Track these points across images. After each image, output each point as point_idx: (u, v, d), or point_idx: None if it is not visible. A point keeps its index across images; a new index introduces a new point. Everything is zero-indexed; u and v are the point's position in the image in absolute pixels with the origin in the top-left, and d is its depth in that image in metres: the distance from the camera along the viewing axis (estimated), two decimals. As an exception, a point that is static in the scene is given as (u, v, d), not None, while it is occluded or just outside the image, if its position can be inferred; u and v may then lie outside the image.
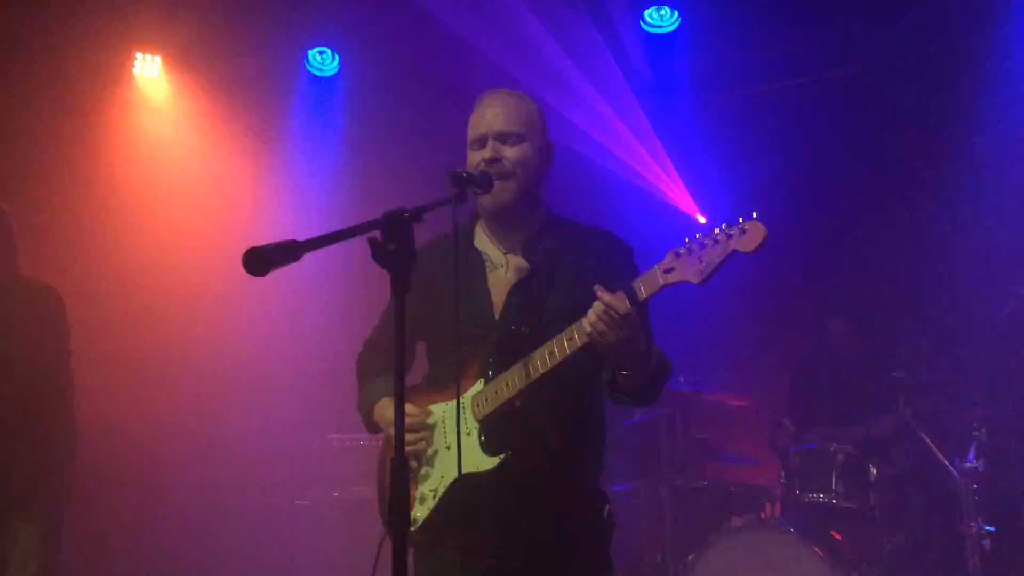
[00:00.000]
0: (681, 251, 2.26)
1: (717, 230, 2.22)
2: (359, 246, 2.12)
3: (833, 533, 4.63)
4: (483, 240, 2.73)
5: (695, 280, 2.22)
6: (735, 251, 2.18)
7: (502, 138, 2.61)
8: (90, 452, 4.31)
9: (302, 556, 5.39)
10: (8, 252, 4.04)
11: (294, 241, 1.93)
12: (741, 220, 2.19)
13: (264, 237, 1.97)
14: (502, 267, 2.67)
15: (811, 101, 6.28)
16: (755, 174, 6.19)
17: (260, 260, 1.86)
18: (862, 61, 6.08)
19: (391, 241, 2.01)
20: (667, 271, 2.26)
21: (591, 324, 2.29)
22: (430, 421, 2.63)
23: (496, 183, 2.56)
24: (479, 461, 2.47)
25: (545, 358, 2.41)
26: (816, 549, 4.35)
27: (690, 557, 4.64)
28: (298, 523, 5.46)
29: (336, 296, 6.06)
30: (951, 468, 4.52)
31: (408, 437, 2.50)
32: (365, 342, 2.96)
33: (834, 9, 5.95)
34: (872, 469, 4.71)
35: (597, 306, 2.29)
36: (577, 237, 2.71)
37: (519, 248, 2.68)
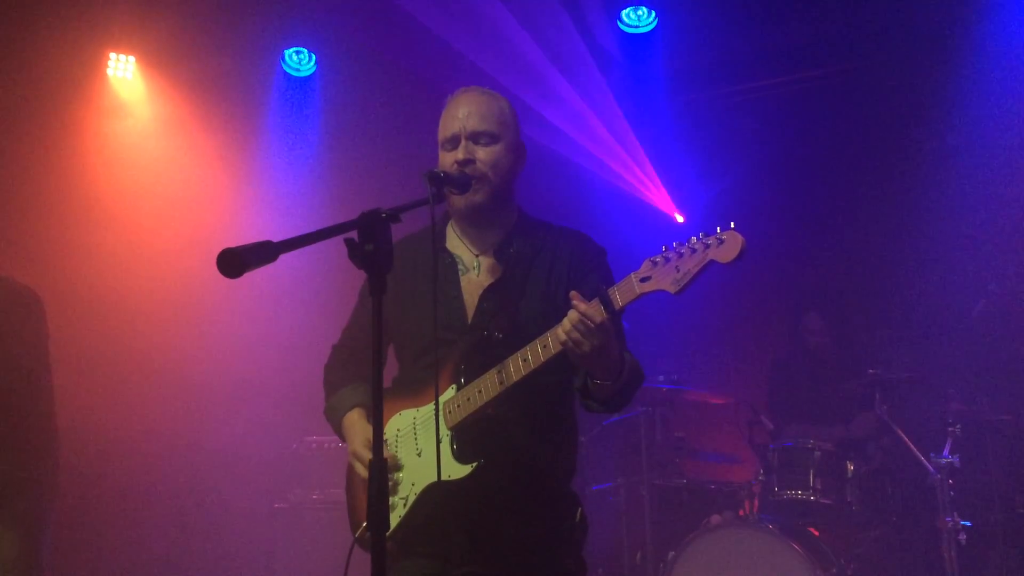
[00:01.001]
0: (658, 259, 2.23)
1: (694, 239, 2.19)
2: (335, 247, 2.10)
3: (811, 529, 4.67)
4: (454, 241, 2.69)
5: (672, 290, 2.19)
6: (712, 261, 2.15)
7: (475, 138, 2.57)
8: (66, 455, 4.25)
9: (281, 558, 5.35)
10: None
11: (269, 242, 1.91)
12: (719, 229, 2.16)
13: (241, 238, 1.95)
14: (474, 269, 2.63)
15: (787, 99, 6.33)
16: (732, 173, 6.23)
17: (234, 261, 1.84)
18: (837, 59, 6.13)
19: (368, 241, 2.00)
20: (643, 280, 2.23)
21: (566, 332, 2.26)
22: (401, 427, 2.60)
23: (471, 184, 2.53)
24: (451, 469, 2.44)
25: (519, 365, 2.38)
26: (795, 545, 4.37)
27: (671, 555, 4.66)
28: (277, 525, 5.43)
29: (313, 298, 6.03)
30: (927, 463, 4.55)
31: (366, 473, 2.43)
32: (333, 347, 2.90)
33: (809, 8, 5.99)
34: (849, 465, 4.75)
35: (572, 315, 2.25)
36: (550, 239, 2.67)
37: (491, 249, 2.64)
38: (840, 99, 6.20)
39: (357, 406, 2.67)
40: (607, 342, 2.27)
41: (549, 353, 2.33)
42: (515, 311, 2.55)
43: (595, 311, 2.23)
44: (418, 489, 2.49)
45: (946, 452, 4.51)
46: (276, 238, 1.96)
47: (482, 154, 2.56)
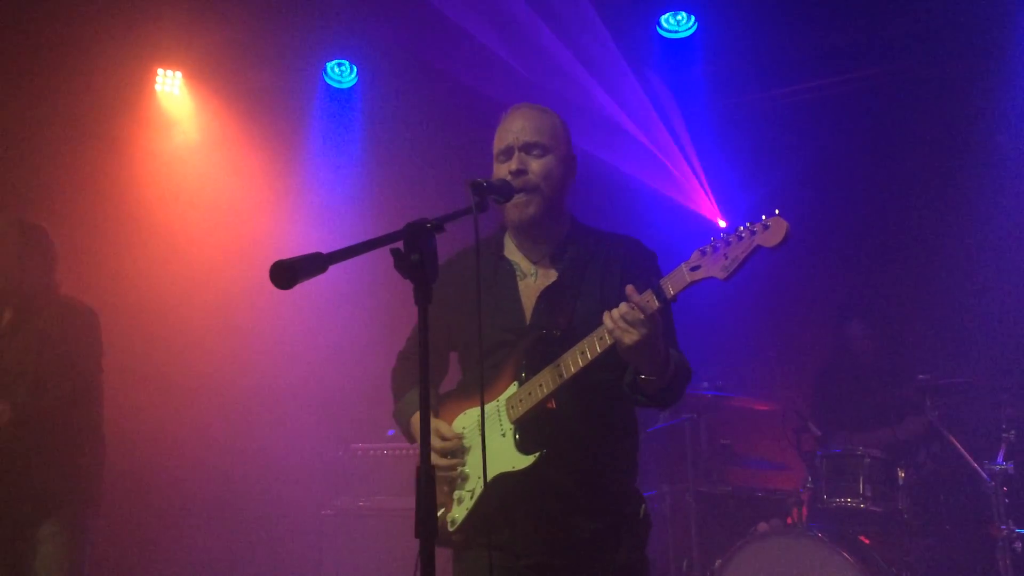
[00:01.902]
0: (707, 249, 2.32)
1: (741, 228, 2.29)
2: (381, 257, 2.14)
3: (862, 538, 4.60)
4: (512, 249, 2.80)
5: (721, 276, 2.27)
6: (759, 247, 2.24)
7: (527, 149, 2.68)
8: (116, 465, 4.35)
9: (328, 565, 5.40)
10: (47, 269, 4.11)
11: (319, 253, 1.95)
12: (764, 217, 2.26)
13: (287, 250, 1.99)
14: (531, 275, 2.74)
15: (830, 103, 6.25)
16: (775, 177, 6.16)
17: (287, 273, 1.89)
18: (881, 62, 6.04)
19: (413, 251, 2.03)
20: (693, 268, 2.32)
21: (614, 321, 2.34)
22: (466, 425, 2.70)
23: (522, 196, 2.63)
24: (514, 460, 2.54)
25: (576, 358, 2.47)
26: (845, 554, 4.31)
27: (717, 563, 4.62)
28: (324, 532, 5.48)
29: (359, 307, 6.09)
30: (980, 470, 4.47)
31: (442, 462, 2.61)
32: (399, 354, 3.04)
33: (851, 10, 5.92)
34: (900, 473, 4.67)
35: (623, 305, 2.35)
36: (602, 245, 2.77)
37: (547, 258, 2.75)
38: (885, 100, 6.10)
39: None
40: (653, 334, 2.35)
41: (605, 345, 2.41)
42: (571, 311, 2.65)
43: (646, 301, 2.33)
44: (484, 481, 2.56)
45: (1000, 458, 4.42)
46: (321, 250, 2.00)
47: (535, 165, 2.67)
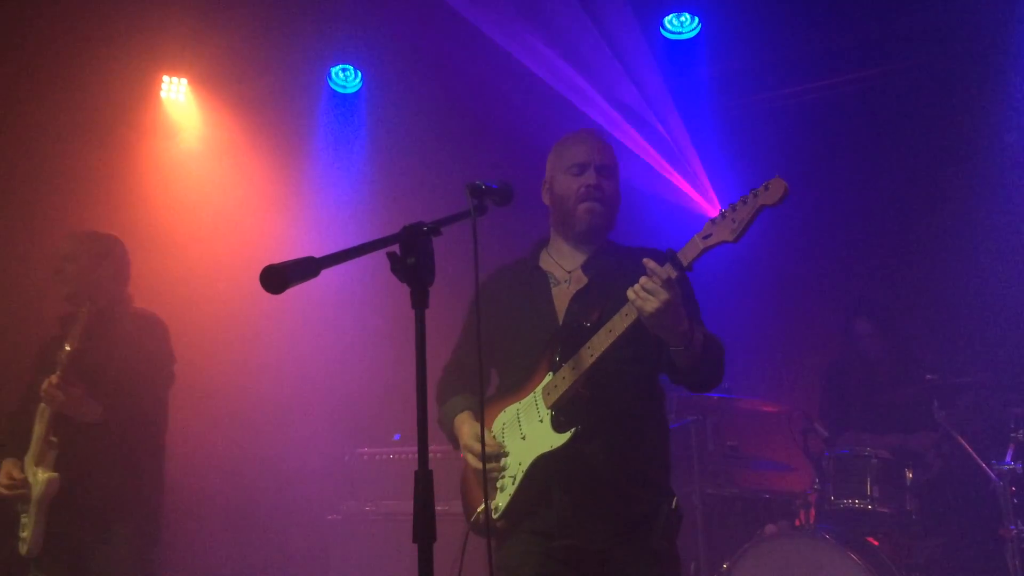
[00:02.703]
0: (716, 219, 2.56)
1: (746, 195, 2.53)
2: (388, 261, 2.13)
3: (870, 539, 4.57)
4: (548, 261, 3.02)
5: (730, 238, 2.51)
6: (763, 206, 2.48)
7: (602, 170, 2.94)
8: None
9: (334, 570, 5.40)
10: (120, 281, 4.20)
11: (311, 258, 1.94)
12: (765, 182, 2.51)
13: (292, 255, 1.98)
14: (565, 283, 2.95)
15: (835, 103, 6.22)
16: (782, 177, 6.13)
17: (277, 278, 1.88)
18: (886, 61, 6.01)
19: (410, 255, 2.03)
20: (705, 237, 2.55)
21: (635, 292, 2.52)
22: (506, 422, 2.83)
23: (597, 205, 2.90)
24: (552, 440, 2.67)
25: (603, 337, 2.63)
26: (853, 555, 4.29)
27: (725, 565, 4.60)
28: (330, 537, 5.48)
29: (366, 313, 6.10)
30: (988, 470, 4.44)
31: (485, 465, 2.68)
32: (444, 366, 3.17)
33: (855, 10, 5.89)
34: (908, 473, 4.64)
35: (643, 278, 2.53)
36: (630, 256, 2.95)
37: (579, 267, 2.96)
38: (891, 100, 6.07)
39: (465, 410, 2.95)
40: (674, 301, 2.51)
41: (629, 321, 2.58)
42: (602, 306, 2.78)
43: (663, 269, 2.52)
44: (525, 466, 2.71)
45: (1008, 458, 4.40)
46: (325, 254, 1.99)
47: (608, 185, 2.96)
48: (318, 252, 2.01)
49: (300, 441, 6.13)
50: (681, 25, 6.27)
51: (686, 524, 5.09)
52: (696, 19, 6.23)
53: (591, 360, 2.63)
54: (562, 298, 2.89)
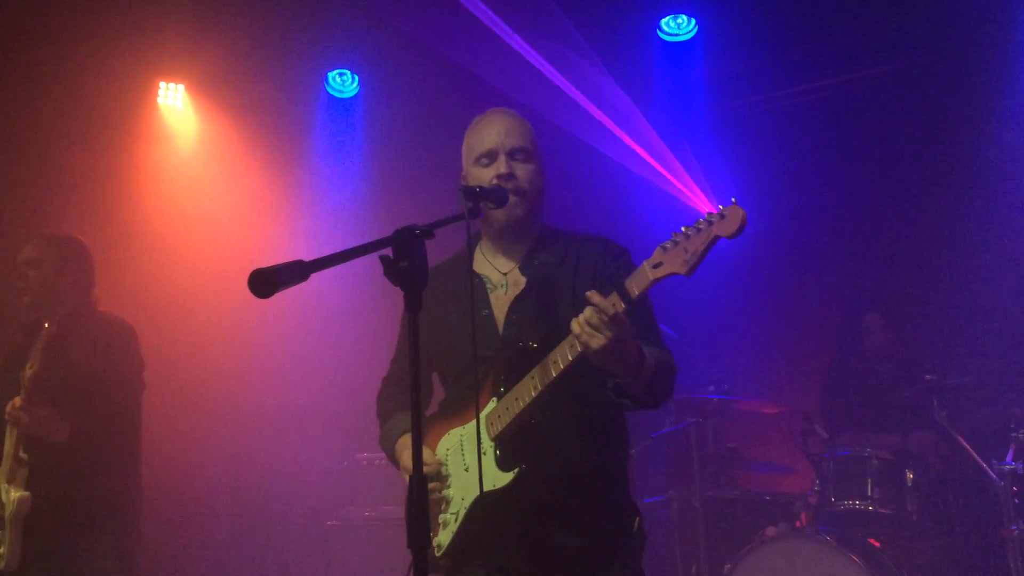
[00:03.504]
0: (667, 245, 2.27)
1: (700, 220, 2.24)
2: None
3: (871, 540, 4.55)
4: (482, 262, 2.76)
5: (682, 271, 2.23)
6: (717, 236, 2.20)
7: (513, 154, 2.65)
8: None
9: (335, 575, 5.38)
10: (85, 286, 4.11)
11: (300, 261, 1.93)
12: (721, 207, 2.22)
13: (289, 258, 1.96)
14: (502, 287, 2.70)
15: (833, 104, 6.22)
16: (778, 179, 6.14)
17: (265, 282, 1.87)
18: (884, 61, 6.01)
19: (402, 258, 2.01)
20: (656, 266, 2.27)
21: (580, 326, 2.27)
22: (449, 447, 2.64)
23: (511, 198, 2.58)
24: (495, 478, 2.46)
25: (549, 369, 2.39)
26: (854, 557, 4.27)
27: (726, 568, 4.59)
28: (330, 542, 5.47)
29: (362, 316, 6.08)
30: (989, 471, 4.42)
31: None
32: (383, 379, 2.98)
33: (852, 11, 5.89)
34: (908, 474, 4.63)
35: (587, 309, 2.28)
36: (572, 246, 2.72)
37: (516, 265, 2.71)
38: (890, 100, 6.07)
39: (407, 432, 2.70)
40: (620, 336, 2.27)
41: (576, 352, 2.34)
42: (544, 319, 2.58)
43: (608, 303, 2.26)
44: (467, 503, 2.51)
45: (1009, 458, 4.38)
46: (321, 257, 1.97)
47: (520, 170, 2.65)
48: (317, 256, 1.99)
49: (299, 447, 6.12)
50: (678, 27, 6.28)
51: (687, 526, 5.13)
52: (693, 21, 6.24)
53: (535, 393, 2.41)
54: (500, 306, 2.65)
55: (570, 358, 2.35)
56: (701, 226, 2.22)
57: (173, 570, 5.93)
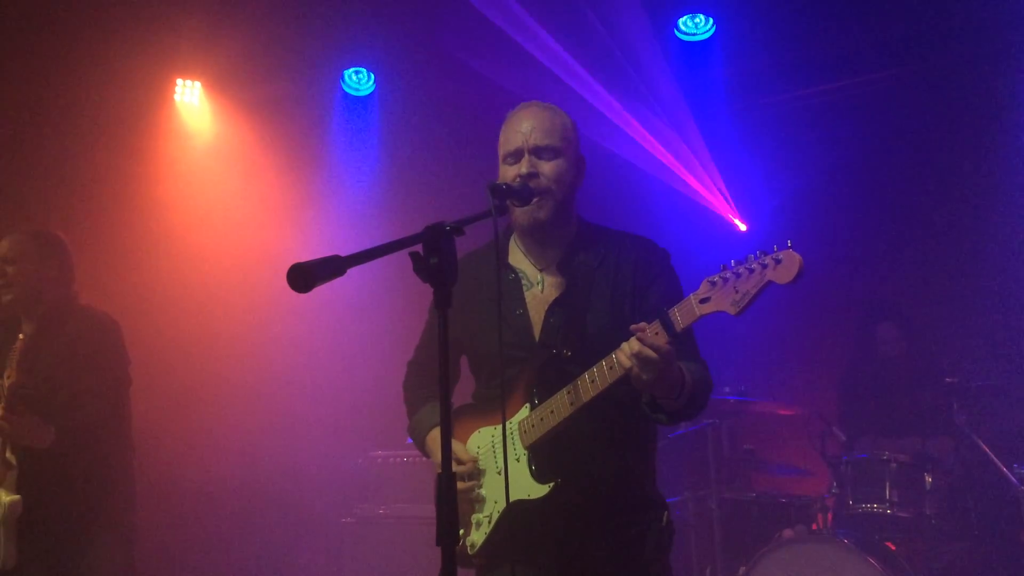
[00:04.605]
0: (716, 280, 2.23)
1: (752, 257, 2.19)
2: (399, 261, 2.11)
3: (888, 544, 4.53)
4: (518, 256, 2.71)
5: (732, 311, 2.20)
6: (771, 282, 2.15)
7: (538, 153, 2.59)
8: (138, 469, 4.34)
9: (348, 573, 5.38)
10: (66, 280, 4.09)
11: (337, 256, 1.92)
12: (776, 248, 2.16)
13: (306, 256, 1.96)
14: (538, 284, 2.65)
15: (851, 104, 6.18)
16: (796, 180, 6.11)
17: (304, 276, 1.86)
18: (904, 60, 5.97)
19: (433, 255, 2.00)
20: (703, 301, 2.24)
21: (629, 359, 2.26)
22: (481, 445, 2.64)
23: (534, 199, 2.55)
24: (530, 488, 2.47)
25: (587, 386, 2.40)
26: (872, 560, 4.25)
27: (742, 570, 4.57)
28: (344, 539, 5.47)
29: (379, 314, 6.08)
30: (1009, 474, 4.40)
31: (459, 486, 2.51)
32: (409, 363, 2.97)
33: (871, 9, 5.86)
34: (927, 477, 4.60)
35: (634, 342, 2.26)
36: (612, 247, 2.67)
37: (554, 264, 2.66)
38: (907, 101, 6.03)
39: (436, 425, 2.68)
40: (668, 367, 2.27)
41: (616, 374, 2.34)
42: (582, 325, 2.56)
43: (659, 339, 2.24)
44: (500, 507, 2.51)
45: (1030, 462, 4.35)
46: (339, 254, 1.96)
47: (546, 168, 2.58)
48: (334, 253, 1.97)
49: (314, 444, 6.12)
50: (696, 26, 6.26)
51: (702, 528, 5.11)
52: (711, 20, 6.21)
53: (571, 409, 2.41)
54: (537, 306, 2.61)
55: (609, 380, 2.35)
56: (753, 267, 2.17)
57: (185, 568, 5.94)
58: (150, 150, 6.38)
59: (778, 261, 2.13)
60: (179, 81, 6.50)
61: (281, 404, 6.20)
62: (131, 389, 4.13)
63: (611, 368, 2.34)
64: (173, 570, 5.87)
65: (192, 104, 6.54)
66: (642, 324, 2.28)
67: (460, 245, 2.13)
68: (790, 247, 2.14)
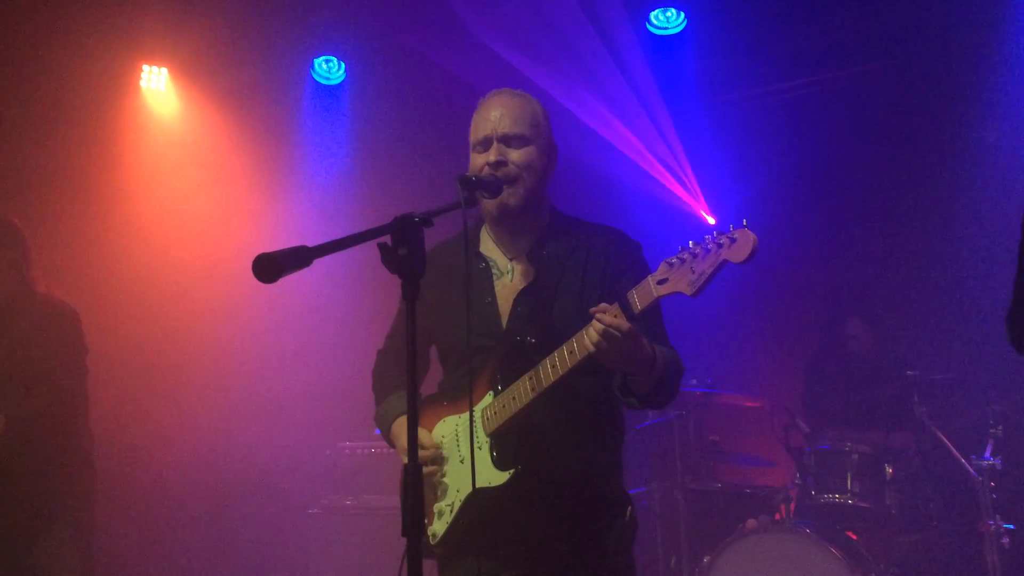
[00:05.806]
0: (673, 261, 2.23)
1: (708, 238, 2.18)
2: (367, 252, 2.11)
3: (849, 533, 4.61)
4: (488, 245, 2.70)
5: (688, 291, 2.19)
6: (726, 261, 2.14)
7: (507, 141, 2.57)
8: (102, 465, 4.30)
9: (314, 564, 5.37)
10: (22, 267, 4.02)
11: (303, 247, 1.92)
12: (732, 228, 2.16)
13: (273, 245, 1.96)
14: (508, 273, 2.64)
15: (821, 99, 6.25)
16: (765, 174, 6.16)
17: (270, 266, 1.85)
18: (871, 57, 6.04)
19: (401, 246, 2.00)
20: (660, 282, 2.24)
21: (594, 343, 2.26)
22: (445, 434, 2.63)
23: (505, 189, 2.53)
24: (491, 476, 2.46)
25: (548, 371, 2.39)
26: (833, 549, 4.32)
27: (706, 559, 4.62)
28: (310, 531, 5.45)
29: (346, 303, 6.06)
30: (968, 466, 4.48)
31: (424, 471, 2.51)
32: (378, 352, 2.95)
33: (841, 6, 5.92)
34: (888, 468, 4.69)
35: (596, 324, 2.25)
36: (583, 237, 2.66)
37: (524, 253, 2.65)
38: (874, 97, 6.11)
39: (403, 413, 2.66)
40: (633, 344, 2.27)
41: (576, 358, 2.34)
42: (549, 315, 2.55)
43: (620, 321, 2.24)
44: (462, 496, 2.51)
45: (987, 454, 4.44)
46: (308, 244, 1.96)
47: (515, 156, 2.56)
48: (302, 243, 1.97)
49: (281, 435, 6.09)
50: (667, 20, 6.28)
51: (667, 518, 5.16)
52: (682, 14, 6.24)
53: (532, 394, 2.40)
54: (506, 295, 2.60)
55: (570, 364, 2.34)
56: (710, 246, 2.16)
57: (151, 559, 5.90)
58: (114, 137, 6.28)
59: (733, 240, 2.13)
60: (145, 67, 6.39)
61: (248, 395, 6.16)
62: (92, 379, 4.08)
63: (571, 352, 2.33)
64: (137, 562, 5.83)
65: (158, 91, 6.44)
66: (603, 305, 2.28)
67: (429, 236, 2.13)
68: (745, 226, 2.14)
